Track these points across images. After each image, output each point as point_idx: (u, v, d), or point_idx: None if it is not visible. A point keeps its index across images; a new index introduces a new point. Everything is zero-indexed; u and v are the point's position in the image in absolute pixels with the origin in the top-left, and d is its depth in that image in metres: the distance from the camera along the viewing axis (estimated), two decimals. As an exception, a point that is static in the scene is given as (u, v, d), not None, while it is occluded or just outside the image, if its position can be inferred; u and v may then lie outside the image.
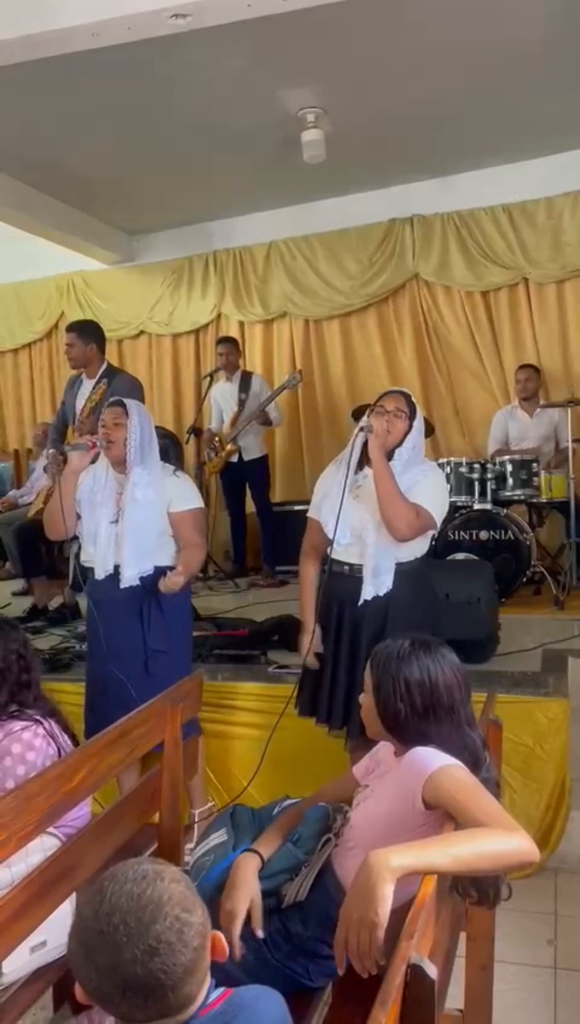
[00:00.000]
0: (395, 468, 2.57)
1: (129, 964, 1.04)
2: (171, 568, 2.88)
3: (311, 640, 2.69)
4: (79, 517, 3.00)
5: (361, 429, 2.59)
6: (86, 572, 4.79)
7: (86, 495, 2.97)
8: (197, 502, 3.02)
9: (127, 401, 2.99)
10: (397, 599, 2.59)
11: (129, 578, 2.86)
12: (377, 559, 2.59)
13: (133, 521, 2.86)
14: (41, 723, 2.03)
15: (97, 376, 4.32)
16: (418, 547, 2.68)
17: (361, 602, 2.59)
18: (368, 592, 2.59)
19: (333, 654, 2.69)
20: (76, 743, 2.07)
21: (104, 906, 1.07)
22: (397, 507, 2.51)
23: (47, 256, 6.91)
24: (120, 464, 2.91)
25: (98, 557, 2.93)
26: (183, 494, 2.98)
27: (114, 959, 1.05)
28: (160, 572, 2.87)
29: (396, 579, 2.61)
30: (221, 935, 1.17)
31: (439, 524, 2.66)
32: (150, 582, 2.87)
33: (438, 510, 2.63)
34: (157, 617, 2.89)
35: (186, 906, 1.09)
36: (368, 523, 2.58)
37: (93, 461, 3.00)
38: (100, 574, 2.93)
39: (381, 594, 2.59)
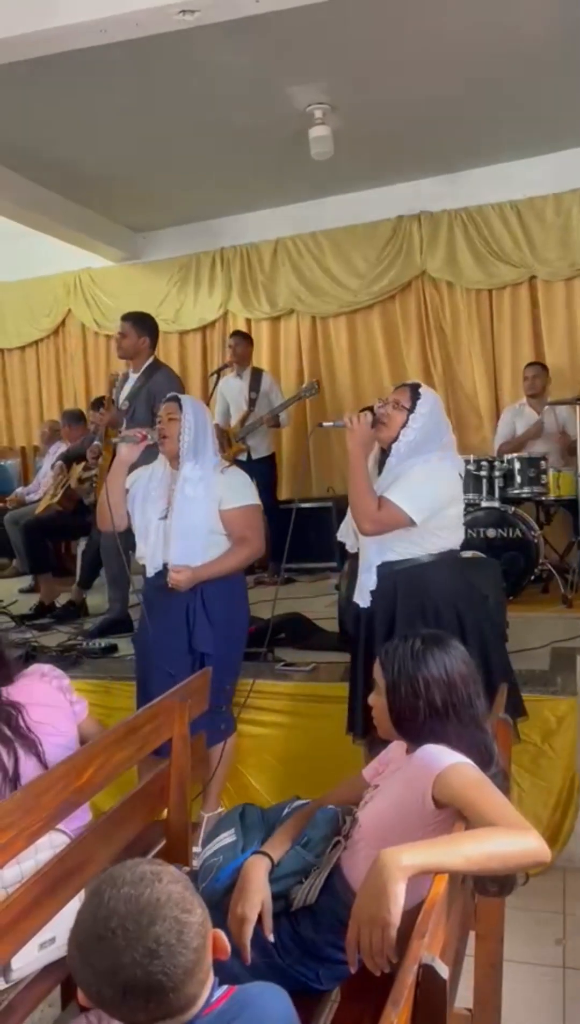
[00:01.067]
0: (391, 462, 2.52)
1: (129, 968, 1.04)
2: None
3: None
4: (128, 513, 2.95)
5: (320, 425, 2.64)
6: (96, 569, 4.81)
7: (140, 491, 2.92)
8: (249, 498, 2.92)
9: (183, 397, 2.97)
10: (406, 598, 2.52)
11: None
12: (366, 558, 2.58)
13: (182, 518, 2.81)
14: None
15: (141, 370, 4.27)
16: (419, 543, 2.51)
17: (364, 606, 2.58)
18: (358, 595, 2.59)
19: (355, 664, 2.68)
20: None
21: (101, 910, 1.07)
22: (357, 499, 2.47)
23: (54, 253, 6.92)
24: (175, 460, 2.88)
25: (148, 553, 2.87)
26: (235, 491, 2.89)
27: (113, 963, 1.04)
28: None
29: (396, 579, 2.53)
30: (221, 933, 1.16)
31: (419, 518, 2.44)
32: (201, 582, 2.82)
33: (414, 504, 2.43)
34: (202, 618, 2.83)
35: (185, 906, 1.09)
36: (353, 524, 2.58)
37: (147, 457, 2.95)
38: (150, 571, 2.88)
39: (366, 594, 2.56)
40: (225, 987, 1.16)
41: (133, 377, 4.28)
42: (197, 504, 2.81)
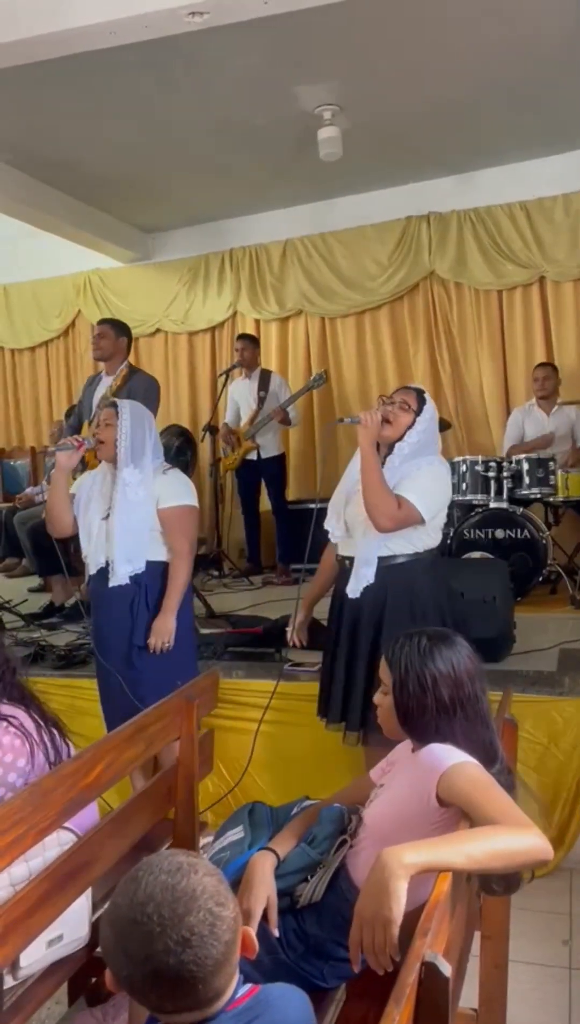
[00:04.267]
0: (393, 462, 2.59)
1: (161, 954, 1.05)
2: (162, 563, 2.95)
3: (294, 623, 2.85)
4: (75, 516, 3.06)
5: (340, 420, 2.65)
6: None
7: (84, 494, 3.03)
8: (185, 499, 3.00)
9: (120, 402, 3.05)
10: (396, 594, 2.58)
11: (120, 576, 2.90)
12: (364, 552, 2.60)
13: (123, 521, 2.89)
14: (7, 720, 1.86)
15: (116, 373, 4.35)
16: (418, 540, 2.62)
17: (353, 596, 2.61)
18: (352, 586, 2.61)
19: (334, 651, 2.71)
20: (61, 733, 1.95)
21: (139, 895, 1.08)
22: (377, 497, 2.51)
23: (64, 254, 6.95)
24: (113, 463, 2.97)
25: (90, 552, 2.98)
26: (173, 491, 2.98)
27: (147, 949, 1.05)
28: (153, 567, 2.93)
29: (393, 573, 2.59)
30: (251, 931, 1.17)
31: (429, 517, 2.56)
32: (142, 579, 2.92)
33: (425, 502, 2.54)
34: (143, 612, 2.92)
35: (219, 900, 1.10)
36: (358, 516, 2.60)
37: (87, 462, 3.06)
38: (92, 569, 2.98)
39: (361, 587, 2.59)
40: (249, 985, 1.18)
41: (105, 379, 4.36)
42: (138, 507, 2.91)
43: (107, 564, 2.92)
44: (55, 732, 1.90)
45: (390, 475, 2.57)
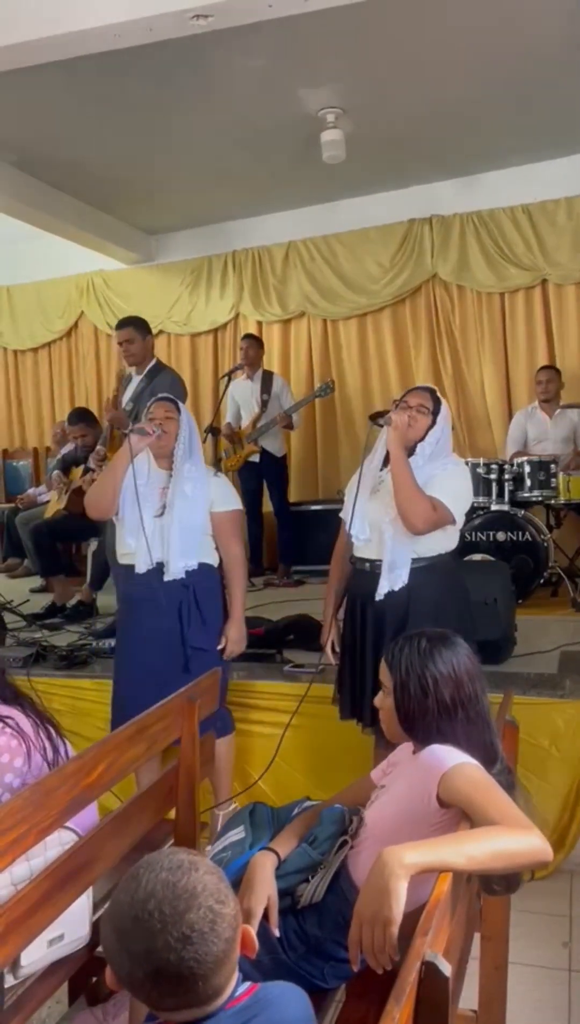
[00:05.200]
0: (416, 463, 2.58)
1: (162, 951, 1.05)
2: (210, 566, 2.92)
3: (328, 635, 2.78)
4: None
5: (378, 423, 2.60)
6: (106, 570, 4.82)
7: (126, 487, 2.91)
8: (237, 503, 3.05)
9: (174, 397, 3.03)
10: (419, 595, 2.57)
11: (176, 571, 2.83)
12: (393, 554, 2.59)
13: (182, 516, 2.85)
14: (2, 720, 1.85)
15: (145, 372, 4.26)
16: (440, 542, 2.64)
17: (379, 598, 2.59)
18: (383, 587, 2.59)
19: (357, 652, 2.69)
20: (57, 732, 1.94)
21: (140, 892, 1.09)
22: (412, 499, 2.50)
23: (67, 255, 6.97)
24: (164, 458, 2.92)
25: (141, 550, 2.85)
26: (225, 495, 2.99)
27: (148, 945, 1.06)
28: (202, 569, 2.89)
29: (417, 575, 2.59)
30: (250, 930, 1.18)
31: (460, 519, 2.61)
32: (192, 579, 2.87)
33: (457, 504, 2.59)
34: (196, 615, 2.88)
35: (220, 897, 1.11)
36: (385, 518, 2.58)
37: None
38: (141, 568, 2.86)
39: (396, 588, 2.58)
40: (248, 984, 1.18)
41: (136, 379, 4.30)
42: (195, 504, 2.88)
43: (156, 563, 2.84)
44: (52, 731, 1.91)
45: (419, 477, 2.56)
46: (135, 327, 4.25)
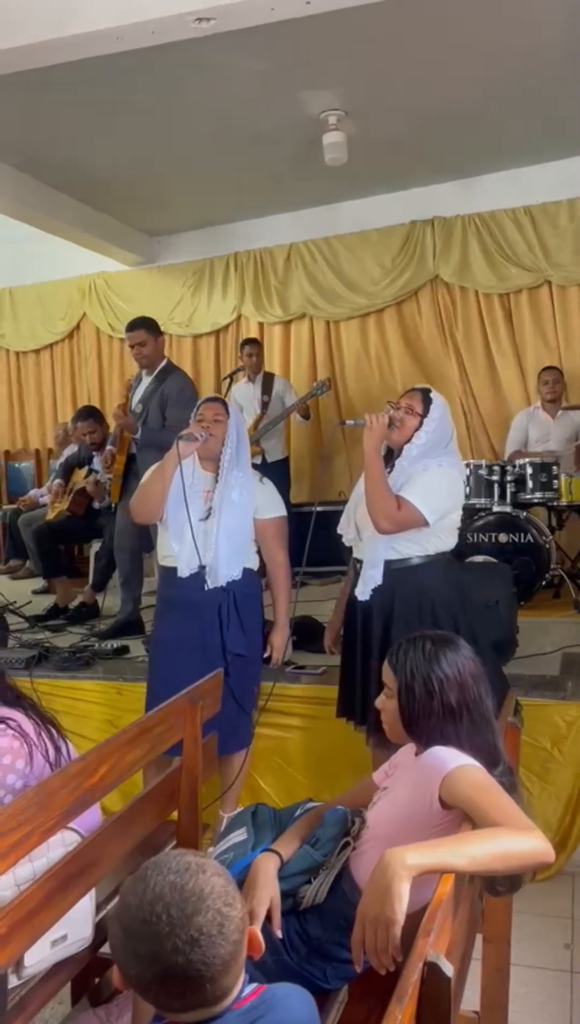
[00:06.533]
0: (402, 463, 2.59)
1: (170, 954, 1.06)
2: (251, 571, 2.91)
3: (330, 637, 2.85)
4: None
5: (342, 423, 2.71)
6: (109, 571, 4.81)
7: (172, 495, 2.87)
8: (283, 510, 3.01)
9: (227, 401, 3.02)
10: (403, 596, 2.58)
11: (222, 577, 2.81)
12: (370, 554, 2.61)
13: (228, 524, 2.81)
14: (4, 722, 1.85)
15: (155, 373, 4.22)
16: (423, 544, 2.59)
17: (364, 598, 2.62)
18: (360, 588, 2.62)
19: (349, 651, 2.72)
20: (58, 732, 1.95)
21: (148, 894, 1.09)
22: (377, 499, 2.51)
23: (69, 257, 6.97)
24: (209, 461, 2.88)
25: (185, 554, 2.82)
26: (271, 501, 2.96)
27: (156, 948, 1.06)
28: (245, 573, 2.88)
29: (401, 575, 2.58)
30: (257, 931, 1.18)
31: (431, 517, 2.52)
32: (234, 585, 2.85)
33: (426, 503, 2.51)
34: (235, 620, 2.84)
35: (227, 900, 1.11)
36: (365, 519, 2.60)
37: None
38: (185, 571, 2.82)
39: (369, 590, 2.60)
40: (254, 985, 1.19)
41: (146, 379, 4.28)
42: (241, 509, 2.85)
43: (200, 568, 2.81)
44: (53, 732, 1.91)
45: (398, 476, 2.57)
46: (147, 329, 4.21)
